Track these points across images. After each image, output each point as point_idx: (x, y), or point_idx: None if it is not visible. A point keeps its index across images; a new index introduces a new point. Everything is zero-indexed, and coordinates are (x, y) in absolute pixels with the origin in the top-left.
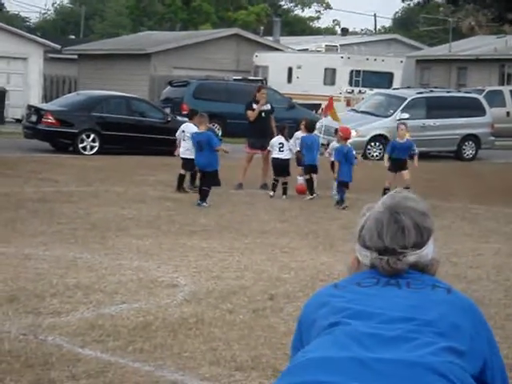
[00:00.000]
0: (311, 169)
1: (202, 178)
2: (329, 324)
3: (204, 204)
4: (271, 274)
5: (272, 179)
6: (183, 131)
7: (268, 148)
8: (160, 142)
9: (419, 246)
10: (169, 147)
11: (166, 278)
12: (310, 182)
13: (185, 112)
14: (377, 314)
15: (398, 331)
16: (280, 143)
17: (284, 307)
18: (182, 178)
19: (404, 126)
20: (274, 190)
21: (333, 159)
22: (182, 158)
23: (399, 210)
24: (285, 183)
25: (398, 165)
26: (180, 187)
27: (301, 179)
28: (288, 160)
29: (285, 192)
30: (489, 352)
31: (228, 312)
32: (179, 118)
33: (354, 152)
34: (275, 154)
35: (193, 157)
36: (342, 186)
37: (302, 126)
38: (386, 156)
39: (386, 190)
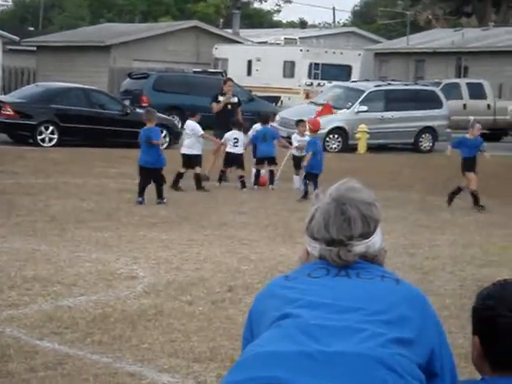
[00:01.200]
0: (269, 160)
1: (151, 175)
2: (279, 316)
3: (164, 201)
4: (230, 266)
5: (220, 170)
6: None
7: (222, 141)
8: (119, 134)
9: (366, 235)
10: (128, 139)
11: (125, 269)
12: (271, 174)
13: (144, 104)
14: (327, 304)
15: (348, 322)
16: (235, 138)
17: (243, 298)
18: (180, 175)
19: (480, 126)
20: (220, 180)
21: (294, 152)
22: (183, 155)
23: (345, 201)
24: (241, 176)
25: (467, 164)
26: (176, 185)
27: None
28: (241, 154)
29: (243, 185)
30: (437, 342)
31: (187, 303)
32: (139, 110)
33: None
34: (229, 148)
35: (194, 153)
36: (312, 178)
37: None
38: (449, 148)
39: (459, 190)
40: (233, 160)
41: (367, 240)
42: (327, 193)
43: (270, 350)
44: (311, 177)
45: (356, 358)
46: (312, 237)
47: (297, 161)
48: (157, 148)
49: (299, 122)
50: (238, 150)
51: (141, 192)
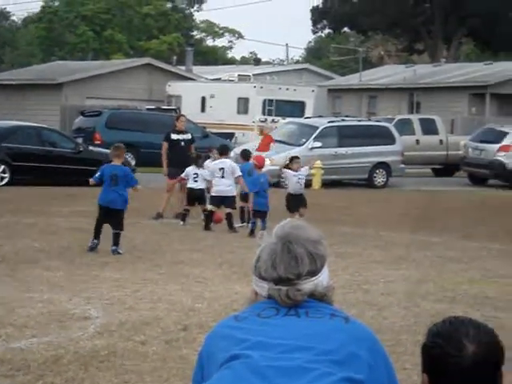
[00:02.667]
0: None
1: (111, 217)
2: (229, 357)
3: (120, 251)
4: (185, 305)
5: (183, 209)
6: (221, 168)
7: (183, 176)
8: (72, 173)
9: (314, 273)
10: (81, 177)
11: (78, 310)
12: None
13: (97, 142)
14: (276, 344)
15: (298, 361)
16: (195, 173)
17: (197, 338)
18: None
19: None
20: (183, 219)
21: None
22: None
23: (291, 240)
24: (205, 210)
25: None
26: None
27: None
28: (203, 190)
29: (208, 221)
30: (387, 380)
31: (141, 344)
32: (91, 148)
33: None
34: (190, 184)
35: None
36: (260, 215)
37: (214, 155)
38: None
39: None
40: (195, 196)
41: (315, 278)
42: (273, 232)
43: None
44: (259, 214)
45: None
46: (260, 276)
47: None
48: (123, 187)
49: (294, 158)
50: (198, 185)
51: (97, 234)
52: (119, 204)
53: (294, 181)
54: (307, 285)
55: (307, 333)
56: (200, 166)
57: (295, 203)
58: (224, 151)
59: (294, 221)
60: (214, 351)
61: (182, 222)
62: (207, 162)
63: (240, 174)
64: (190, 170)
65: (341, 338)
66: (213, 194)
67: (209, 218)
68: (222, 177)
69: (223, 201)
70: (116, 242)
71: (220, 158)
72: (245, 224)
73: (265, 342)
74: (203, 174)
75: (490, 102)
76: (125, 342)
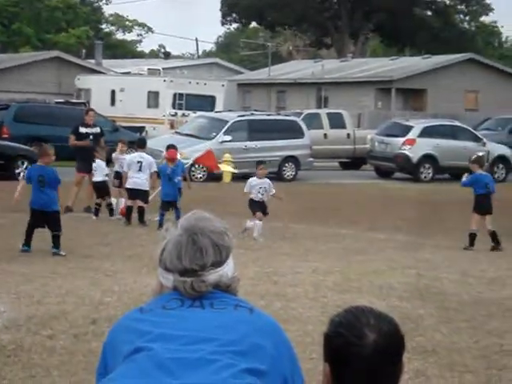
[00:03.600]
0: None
1: (45, 220)
2: (133, 349)
3: (62, 253)
4: (94, 298)
5: (95, 203)
6: (139, 161)
7: (92, 171)
8: None
9: (219, 264)
10: None
11: None
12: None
13: (5, 135)
14: (180, 336)
15: (201, 353)
16: (94, 166)
17: (106, 331)
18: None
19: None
20: (96, 214)
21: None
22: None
23: (196, 231)
24: (109, 204)
25: (484, 204)
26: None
27: (121, 200)
28: (105, 182)
29: (111, 213)
30: (290, 371)
31: (48, 338)
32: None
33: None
34: (95, 177)
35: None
36: (168, 206)
37: (120, 148)
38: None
39: (472, 235)
40: (99, 189)
41: (220, 269)
42: (178, 224)
43: None
44: (166, 205)
45: None
46: (165, 268)
47: None
48: (52, 188)
49: (259, 163)
50: (99, 177)
51: (28, 238)
52: (53, 205)
53: (255, 190)
54: (212, 276)
55: (211, 324)
56: (95, 158)
57: (254, 207)
58: (142, 145)
59: (199, 212)
60: (118, 343)
61: (94, 217)
62: (115, 154)
63: (156, 169)
64: (97, 163)
65: (244, 329)
66: (128, 187)
67: (129, 211)
68: (139, 170)
69: (138, 194)
70: (57, 244)
71: (137, 151)
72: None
73: (168, 334)
74: (100, 165)
75: (395, 97)
76: (32, 337)
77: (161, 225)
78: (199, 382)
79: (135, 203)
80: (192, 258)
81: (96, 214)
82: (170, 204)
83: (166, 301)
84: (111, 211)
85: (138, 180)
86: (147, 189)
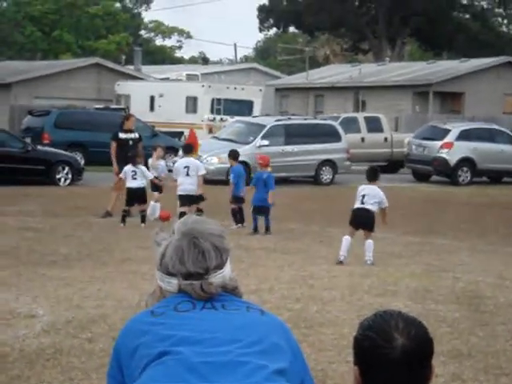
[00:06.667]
0: (238, 199)
1: None
2: (158, 353)
3: None
4: (132, 302)
5: (123, 210)
6: (186, 167)
7: (121, 175)
8: (20, 172)
9: (220, 266)
10: (28, 177)
11: (25, 308)
12: (240, 212)
13: (46, 141)
14: (204, 338)
15: (230, 356)
16: (133, 171)
17: None
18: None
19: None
20: (123, 221)
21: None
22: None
23: (196, 235)
24: (143, 211)
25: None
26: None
27: (156, 205)
28: (143, 188)
29: (143, 220)
30: (304, 370)
31: (87, 341)
32: (40, 147)
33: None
34: (129, 183)
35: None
36: (262, 211)
37: (157, 153)
38: None
39: None
40: (135, 195)
41: (221, 271)
42: (175, 228)
43: None
44: (264, 211)
45: None
46: (167, 272)
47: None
48: None
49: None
50: (138, 183)
51: None
52: None
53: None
54: (216, 278)
55: (230, 325)
56: (137, 163)
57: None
58: (188, 150)
59: (195, 216)
60: (135, 346)
61: (122, 224)
62: (152, 160)
63: (204, 172)
64: (128, 168)
65: (263, 330)
66: (180, 193)
67: (144, 217)
68: (187, 175)
69: (191, 199)
70: None
71: (185, 157)
72: (240, 225)
73: (191, 337)
74: (142, 170)
75: (433, 100)
76: (71, 340)
77: (255, 230)
78: None
79: (189, 209)
80: (195, 261)
81: (123, 221)
82: (261, 209)
83: (176, 303)
84: (143, 218)
85: (187, 186)
86: (199, 193)
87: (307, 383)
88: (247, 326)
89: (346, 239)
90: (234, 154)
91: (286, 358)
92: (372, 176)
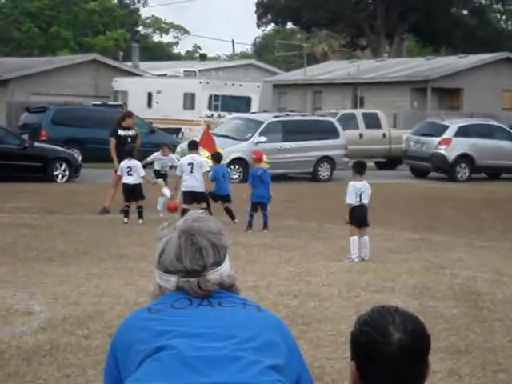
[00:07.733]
0: (225, 198)
1: None
2: (154, 349)
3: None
4: (129, 299)
5: (123, 206)
6: (190, 163)
7: (118, 173)
8: (17, 169)
9: (218, 263)
10: (26, 173)
11: (22, 305)
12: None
13: (43, 138)
14: (199, 334)
15: (225, 350)
16: (128, 167)
17: None
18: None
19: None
20: (126, 216)
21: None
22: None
23: (194, 232)
24: (140, 207)
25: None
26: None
27: (165, 191)
28: (139, 184)
29: (140, 216)
30: (300, 368)
31: (84, 338)
32: (37, 144)
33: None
34: (124, 179)
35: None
36: (259, 207)
37: (163, 151)
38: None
39: None
40: (131, 191)
41: (219, 268)
42: (175, 225)
43: None
44: (261, 206)
45: None
46: (165, 270)
47: None
48: None
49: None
50: (134, 179)
51: None
52: None
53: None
54: (213, 275)
55: (226, 322)
56: (133, 157)
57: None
58: (193, 147)
59: (195, 214)
60: (131, 342)
61: (125, 219)
62: (157, 154)
63: (208, 169)
64: (123, 164)
65: (258, 326)
66: (184, 190)
67: (141, 213)
68: (191, 171)
69: (195, 196)
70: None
71: (189, 154)
72: (233, 221)
73: (188, 332)
74: (135, 166)
75: (431, 96)
76: (68, 337)
77: (250, 225)
78: (228, 380)
79: (193, 206)
80: (192, 258)
81: (126, 216)
82: (259, 205)
83: (173, 300)
84: (140, 214)
85: (191, 182)
86: (202, 190)
87: (305, 380)
88: (243, 322)
89: (354, 240)
90: (217, 158)
91: (282, 354)
92: (362, 170)
